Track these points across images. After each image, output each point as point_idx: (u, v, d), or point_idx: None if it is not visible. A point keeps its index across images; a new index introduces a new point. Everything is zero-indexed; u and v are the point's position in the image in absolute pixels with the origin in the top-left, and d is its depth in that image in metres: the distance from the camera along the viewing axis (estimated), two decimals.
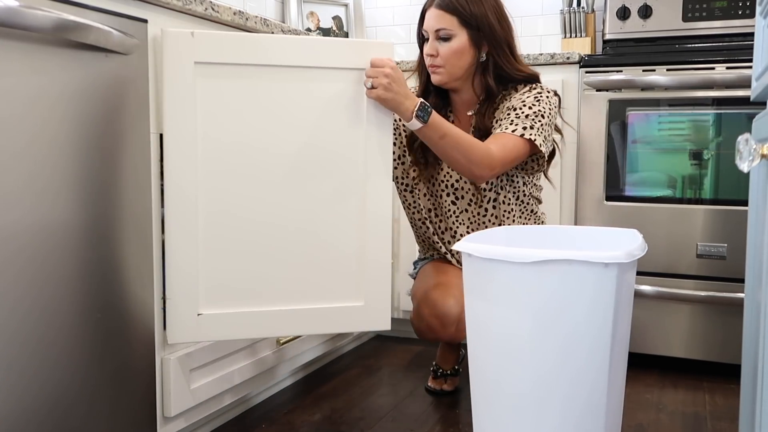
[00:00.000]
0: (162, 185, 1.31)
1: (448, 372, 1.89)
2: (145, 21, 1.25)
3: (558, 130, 1.74)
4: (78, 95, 1.12)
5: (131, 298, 1.25)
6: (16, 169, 1.02)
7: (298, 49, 1.37)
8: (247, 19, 1.51)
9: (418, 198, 1.81)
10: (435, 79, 1.67)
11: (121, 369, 1.23)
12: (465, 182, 1.74)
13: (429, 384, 1.91)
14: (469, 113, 1.73)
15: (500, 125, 1.62)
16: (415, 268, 1.94)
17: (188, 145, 1.32)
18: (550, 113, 1.63)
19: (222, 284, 1.37)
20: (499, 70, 1.66)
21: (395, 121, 1.73)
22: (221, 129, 1.36)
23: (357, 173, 1.44)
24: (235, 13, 1.47)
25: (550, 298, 1.18)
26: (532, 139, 1.57)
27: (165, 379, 1.35)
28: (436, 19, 1.61)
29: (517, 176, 1.72)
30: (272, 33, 1.60)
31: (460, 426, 1.66)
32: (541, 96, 1.63)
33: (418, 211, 1.82)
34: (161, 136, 1.30)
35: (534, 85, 1.67)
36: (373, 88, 1.40)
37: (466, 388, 1.89)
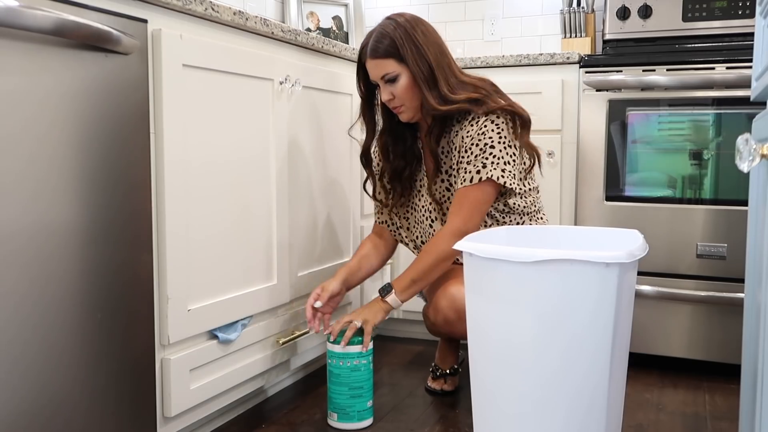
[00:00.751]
0: (157, 184, 1.32)
1: (447, 372, 1.90)
2: (145, 21, 1.25)
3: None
4: (78, 95, 1.12)
5: (131, 298, 1.25)
6: (16, 169, 1.02)
7: (253, 63, 1.52)
8: (247, 19, 1.51)
9: (404, 229, 1.87)
10: (403, 118, 1.69)
11: (121, 369, 1.23)
12: (438, 208, 1.75)
13: (429, 384, 1.91)
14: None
15: (459, 175, 1.64)
16: None
17: (179, 145, 1.34)
18: (500, 138, 1.60)
19: (203, 279, 1.43)
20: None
21: (376, 168, 1.85)
22: (206, 131, 1.42)
23: (269, 174, 1.63)
24: (235, 13, 1.47)
25: (551, 297, 1.18)
26: (489, 177, 1.58)
27: (165, 379, 1.35)
28: (377, 68, 1.63)
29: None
30: (272, 33, 1.60)
31: (460, 426, 1.66)
32: (486, 127, 1.61)
33: (410, 240, 1.88)
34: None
35: (478, 117, 1.62)
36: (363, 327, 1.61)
37: (467, 388, 1.89)
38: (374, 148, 1.83)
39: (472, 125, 1.63)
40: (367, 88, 1.71)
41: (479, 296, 1.27)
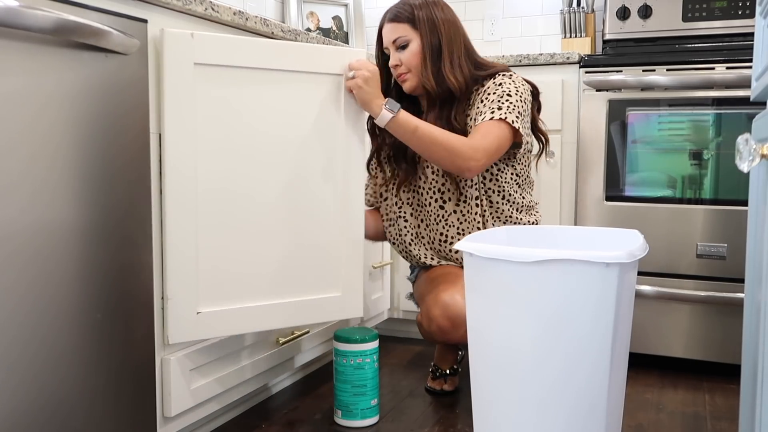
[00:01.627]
0: (161, 185, 1.31)
1: (447, 372, 1.89)
2: (145, 21, 1.25)
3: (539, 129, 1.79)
4: (78, 95, 1.12)
5: (131, 298, 1.25)
6: (15, 169, 1.02)
7: (290, 54, 1.46)
8: (246, 19, 1.51)
9: (404, 221, 1.85)
10: (406, 87, 1.72)
11: (121, 369, 1.23)
12: (450, 184, 1.75)
13: (429, 384, 1.91)
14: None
15: (473, 120, 1.67)
16: (412, 272, 1.94)
17: (187, 145, 1.33)
18: (517, 91, 1.66)
19: (219, 282, 1.40)
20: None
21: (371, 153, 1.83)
22: (220, 129, 1.38)
23: (335, 171, 1.55)
24: (235, 13, 1.47)
25: (551, 297, 1.18)
26: (504, 118, 1.61)
27: (165, 379, 1.35)
28: (391, 31, 1.70)
29: (503, 170, 1.73)
30: (272, 33, 1.60)
31: (460, 426, 1.66)
32: (503, 81, 1.67)
33: (406, 234, 1.85)
34: (161, 136, 1.30)
35: (496, 76, 1.71)
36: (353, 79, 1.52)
37: (466, 388, 1.89)
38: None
39: (489, 88, 1.68)
40: (384, 56, 1.76)
41: (479, 296, 1.27)
